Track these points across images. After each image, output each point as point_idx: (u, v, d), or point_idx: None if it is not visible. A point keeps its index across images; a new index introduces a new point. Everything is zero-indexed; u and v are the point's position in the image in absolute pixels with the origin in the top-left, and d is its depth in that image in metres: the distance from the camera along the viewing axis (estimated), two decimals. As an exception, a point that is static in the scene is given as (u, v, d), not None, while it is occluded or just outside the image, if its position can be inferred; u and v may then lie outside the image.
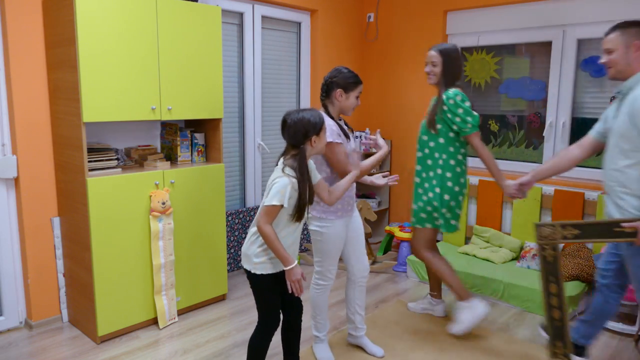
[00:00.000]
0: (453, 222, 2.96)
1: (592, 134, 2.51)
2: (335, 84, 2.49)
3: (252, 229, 2.19)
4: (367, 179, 2.70)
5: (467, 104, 2.82)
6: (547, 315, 2.33)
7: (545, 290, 2.29)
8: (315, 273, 2.64)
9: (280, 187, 2.05)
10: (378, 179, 2.69)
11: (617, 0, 3.50)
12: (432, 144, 2.93)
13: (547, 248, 2.27)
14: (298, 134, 2.11)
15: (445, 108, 2.83)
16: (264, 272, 2.17)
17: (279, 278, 2.19)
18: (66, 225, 3.02)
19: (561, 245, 2.42)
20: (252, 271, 2.18)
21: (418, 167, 3.01)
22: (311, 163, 2.28)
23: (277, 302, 2.26)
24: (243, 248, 2.22)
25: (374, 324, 3.15)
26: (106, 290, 2.86)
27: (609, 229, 2.18)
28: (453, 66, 2.89)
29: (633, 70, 2.23)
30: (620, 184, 2.24)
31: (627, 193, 2.21)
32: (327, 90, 2.52)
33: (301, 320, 2.38)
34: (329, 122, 2.44)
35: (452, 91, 2.83)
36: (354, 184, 2.60)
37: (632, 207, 2.19)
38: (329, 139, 2.39)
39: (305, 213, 2.16)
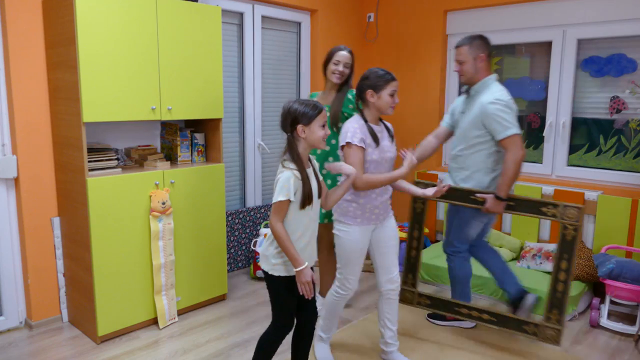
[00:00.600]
0: None
1: (444, 125, 3.08)
2: (365, 85, 2.42)
3: (269, 230, 2.16)
4: (419, 191, 2.59)
5: None
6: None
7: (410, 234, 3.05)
8: (336, 280, 2.57)
9: (283, 181, 2.04)
10: (429, 190, 2.57)
11: (617, 0, 3.50)
12: (333, 141, 3.01)
13: (419, 202, 3.03)
14: (285, 121, 2.10)
15: (351, 106, 2.99)
16: (280, 274, 2.14)
17: (295, 281, 2.15)
18: (66, 225, 3.02)
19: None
20: (270, 272, 2.15)
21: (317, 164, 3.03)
22: (315, 161, 2.25)
23: (292, 305, 2.22)
24: (261, 249, 2.20)
25: (374, 323, 3.15)
26: (106, 290, 2.86)
27: (467, 196, 2.81)
28: (353, 68, 3.10)
29: (480, 77, 2.78)
30: (464, 167, 2.86)
31: (470, 175, 2.83)
32: (359, 94, 2.46)
33: (314, 327, 2.33)
34: (352, 124, 2.39)
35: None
36: (389, 191, 2.53)
37: (478, 183, 2.81)
38: (346, 139, 2.36)
39: (313, 201, 2.11)
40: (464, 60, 2.77)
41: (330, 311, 2.63)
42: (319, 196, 2.18)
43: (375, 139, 2.41)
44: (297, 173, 2.06)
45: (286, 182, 2.03)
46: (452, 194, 2.84)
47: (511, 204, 2.73)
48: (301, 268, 2.06)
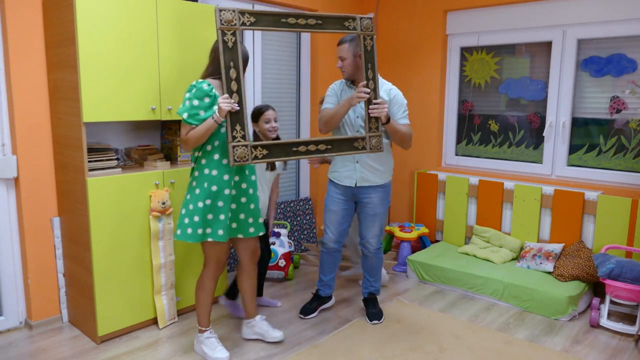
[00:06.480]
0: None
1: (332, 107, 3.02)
2: None
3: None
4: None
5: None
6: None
7: (227, 76, 2.49)
8: None
9: None
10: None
11: (617, 0, 3.50)
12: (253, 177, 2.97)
13: (228, 33, 2.49)
14: None
15: None
16: None
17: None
18: (66, 225, 3.02)
19: (241, 33, 2.62)
20: None
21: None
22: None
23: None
24: None
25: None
26: (106, 290, 2.86)
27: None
28: None
29: (360, 73, 2.85)
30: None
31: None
32: None
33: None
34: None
35: None
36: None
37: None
38: None
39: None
40: (345, 57, 2.92)
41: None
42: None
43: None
44: None
45: None
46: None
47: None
48: None
